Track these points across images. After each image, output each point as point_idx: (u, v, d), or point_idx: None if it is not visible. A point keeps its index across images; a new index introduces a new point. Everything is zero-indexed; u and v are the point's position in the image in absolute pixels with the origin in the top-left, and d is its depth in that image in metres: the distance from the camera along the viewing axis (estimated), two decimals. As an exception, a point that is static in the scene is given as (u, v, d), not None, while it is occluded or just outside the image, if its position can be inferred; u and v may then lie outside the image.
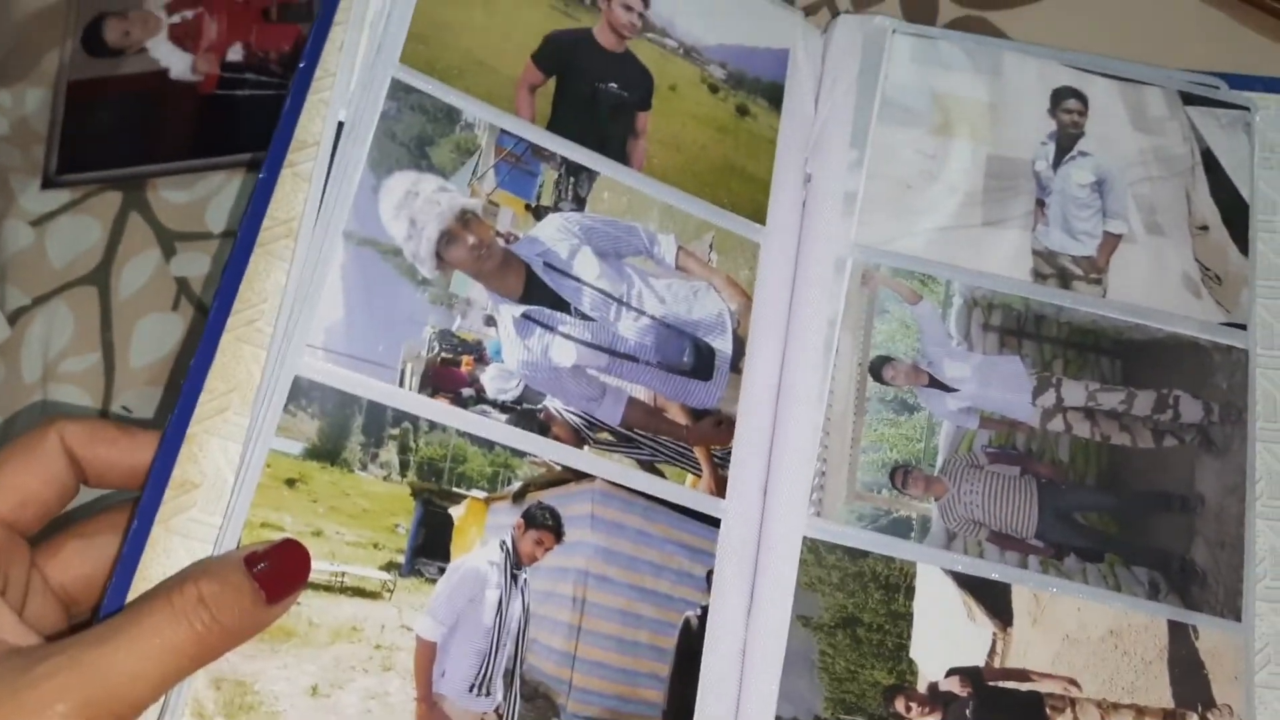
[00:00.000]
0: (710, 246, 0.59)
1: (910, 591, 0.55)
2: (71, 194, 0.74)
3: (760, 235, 0.60)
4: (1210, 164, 0.64)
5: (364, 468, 0.49)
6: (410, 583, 0.48)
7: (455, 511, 0.50)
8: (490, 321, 0.53)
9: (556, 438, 0.52)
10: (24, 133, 0.76)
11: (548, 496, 0.51)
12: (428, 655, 0.47)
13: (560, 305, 0.54)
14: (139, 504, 0.45)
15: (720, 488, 0.55)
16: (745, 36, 0.64)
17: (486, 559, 0.49)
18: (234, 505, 0.46)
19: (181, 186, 0.73)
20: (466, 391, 0.51)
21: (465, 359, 0.51)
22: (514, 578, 0.49)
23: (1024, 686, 0.53)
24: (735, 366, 0.57)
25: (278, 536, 0.46)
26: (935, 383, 0.59)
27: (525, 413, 0.52)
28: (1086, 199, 0.63)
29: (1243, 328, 0.61)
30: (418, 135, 0.53)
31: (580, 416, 0.53)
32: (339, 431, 0.49)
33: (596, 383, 0.54)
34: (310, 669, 0.45)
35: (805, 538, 0.55)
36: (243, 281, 0.49)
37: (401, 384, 0.50)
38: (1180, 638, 0.55)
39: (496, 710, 0.48)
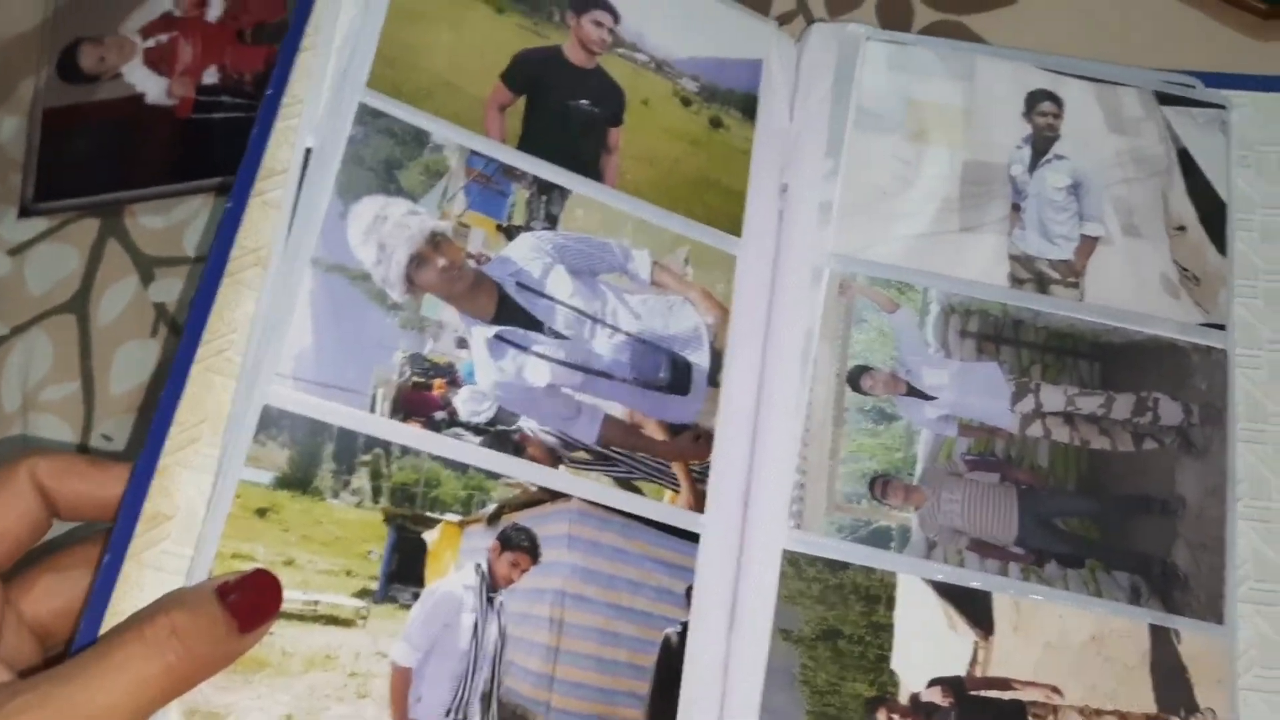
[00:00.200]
0: (686, 260, 0.59)
1: (891, 602, 0.55)
2: (49, 222, 0.74)
3: (736, 247, 0.60)
4: (1187, 164, 0.64)
5: (336, 495, 0.49)
6: (384, 609, 0.48)
7: (429, 536, 0.50)
8: (462, 343, 0.53)
9: (531, 458, 0.52)
10: (0, 161, 0.76)
11: (523, 518, 0.51)
12: (403, 681, 0.47)
13: (534, 325, 0.54)
14: (110, 537, 0.45)
15: (699, 503, 0.55)
16: (717, 48, 0.64)
17: (461, 583, 0.49)
18: (205, 536, 0.46)
19: (159, 211, 0.73)
20: (439, 415, 0.51)
21: (437, 382, 0.51)
22: (489, 601, 0.49)
23: (1006, 695, 0.53)
24: (713, 380, 0.57)
25: (249, 567, 0.46)
26: (914, 391, 0.59)
27: (499, 434, 0.52)
28: (1063, 202, 0.63)
29: (1221, 328, 0.60)
30: (386, 159, 0.53)
31: (555, 436, 0.53)
32: (310, 460, 0.48)
33: (572, 401, 0.54)
34: (284, 699, 0.45)
35: (785, 550, 0.55)
36: (212, 312, 0.49)
37: (372, 410, 0.50)
38: (1162, 642, 0.54)
39: (473, 735, 0.48)
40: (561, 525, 0.52)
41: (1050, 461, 0.58)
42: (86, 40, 0.76)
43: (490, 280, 0.54)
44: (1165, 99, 0.65)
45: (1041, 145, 0.64)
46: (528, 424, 0.53)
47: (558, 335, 0.54)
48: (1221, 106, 0.65)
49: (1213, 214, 0.63)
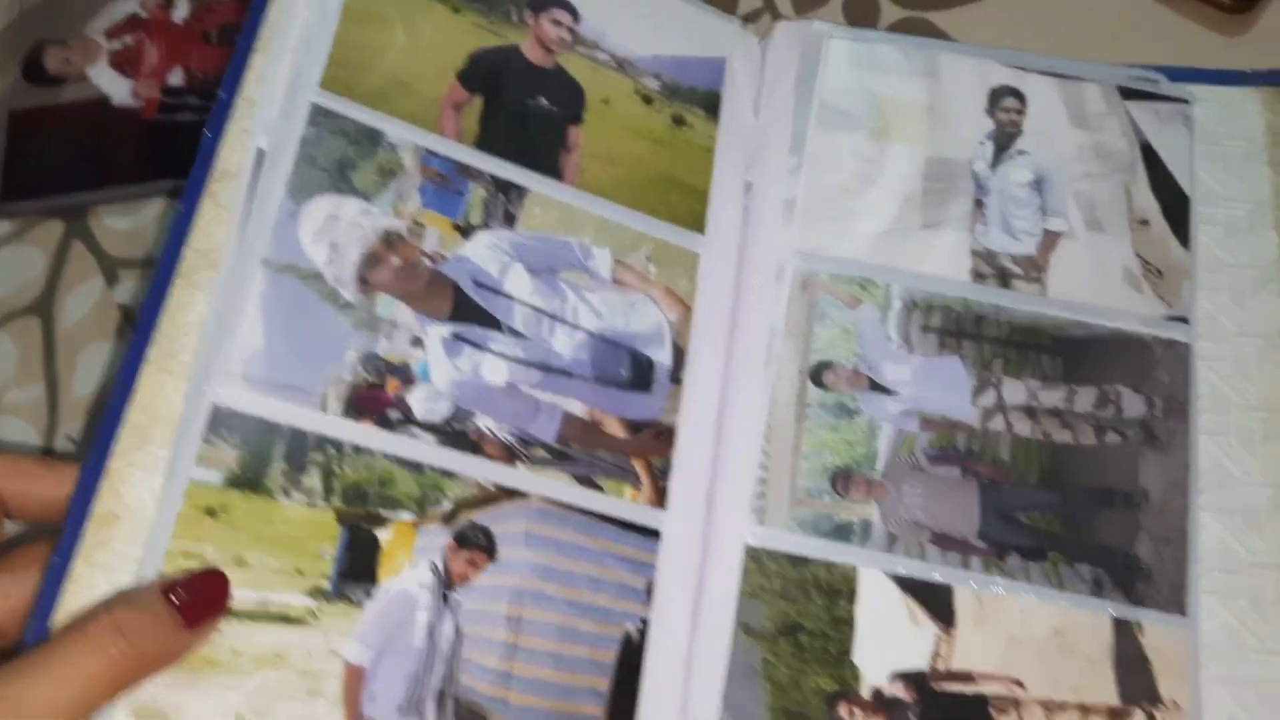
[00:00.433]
0: (648, 258, 0.59)
1: (852, 596, 0.55)
2: (13, 224, 0.74)
3: (699, 245, 0.60)
4: (1150, 158, 0.64)
5: (287, 494, 0.49)
6: (337, 608, 0.48)
7: (383, 535, 0.49)
8: (417, 342, 0.53)
9: (488, 456, 0.52)
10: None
11: (480, 516, 0.51)
12: (356, 680, 0.47)
13: (491, 323, 0.54)
14: (60, 538, 0.45)
15: (660, 499, 0.55)
16: (679, 47, 0.64)
17: (416, 581, 0.49)
18: (155, 536, 0.46)
19: (124, 213, 0.73)
20: (393, 414, 0.51)
21: (391, 381, 0.51)
22: (445, 599, 0.49)
23: (968, 689, 0.53)
24: (675, 378, 0.57)
25: (198, 566, 0.46)
26: (876, 386, 0.59)
27: (455, 433, 0.52)
28: (1025, 197, 0.63)
29: (1184, 321, 0.61)
30: (339, 159, 0.53)
31: (513, 434, 0.53)
32: (260, 459, 0.48)
33: (530, 399, 0.54)
34: (234, 698, 0.45)
35: (747, 546, 0.55)
36: (163, 314, 0.49)
37: (323, 409, 0.50)
38: (1125, 634, 0.55)
39: (428, 731, 0.48)
40: (519, 523, 0.52)
41: (1012, 455, 0.58)
42: (52, 43, 0.76)
43: (446, 279, 0.54)
44: (1129, 94, 0.66)
45: (1004, 141, 0.64)
46: (484, 422, 0.53)
47: (516, 333, 0.54)
48: (1185, 101, 0.66)
49: (1176, 208, 0.63)
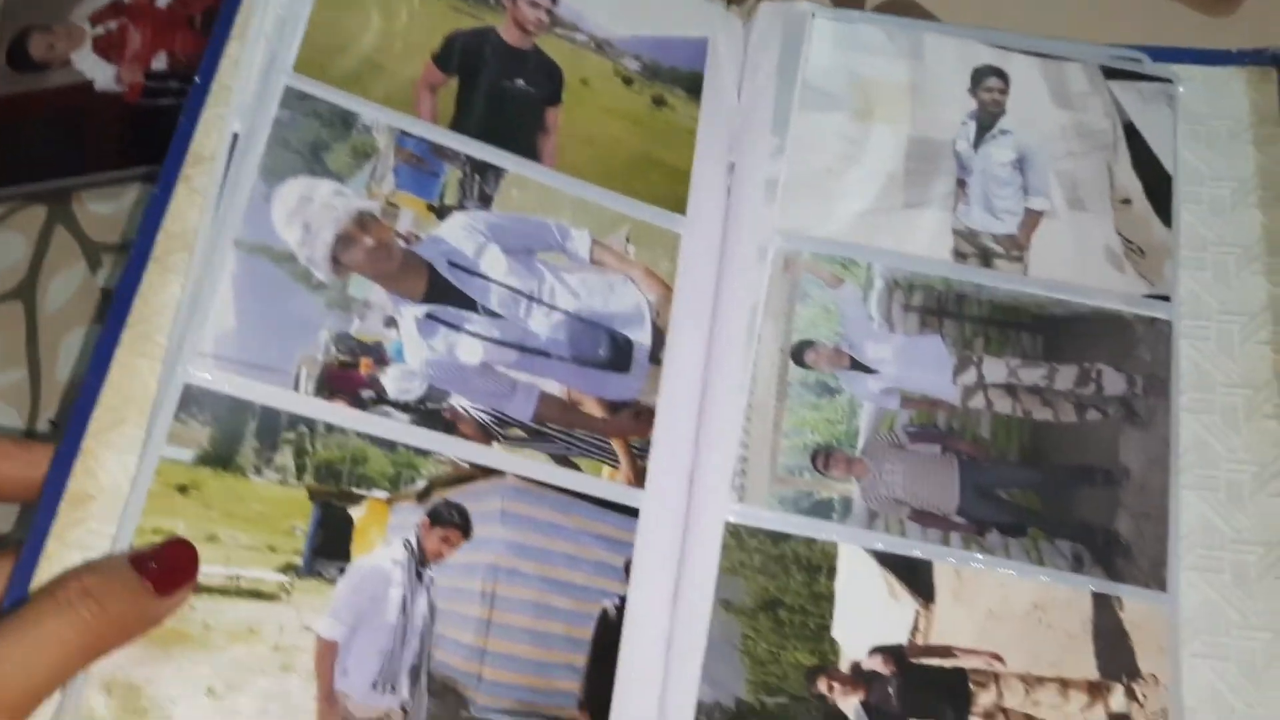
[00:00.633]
0: (627, 239, 0.59)
1: (832, 572, 0.55)
2: (-5, 210, 0.75)
3: (681, 226, 0.60)
4: (1132, 137, 0.64)
5: (258, 472, 0.49)
6: (309, 584, 0.48)
7: (355, 512, 0.50)
8: (391, 323, 0.53)
9: (463, 436, 0.52)
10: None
11: (455, 494, 0.51)
12: (329, 654, 0.47)
13: (467, 304, 0.54)
14: (34, 517, 0.45)
15: (639, 478, 0.55)
16: (659, 27, 0.64)
17: (389, 558, 0.49)
18: (126, 513, 0.46)
19: (107, 198, 0.74)
20: (366, 393, 0.51)
21: (364, 361, 0.51)
22: (419, 576, 0.50)
23: (947, 663, 0.54)
24: (654, 358, 0.57)
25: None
26: (857, 365, 0.59)
27: (429, 412, 0.52)
28: (1007, 177, 0.63)
29: (1166, 299, 0.60)
30: (312, 141, 0.54)
31: (488, 413, 0.53)
32: (231, 438, 0.49)
33: (506, 379, 0.54)
34: (206, 671, 0.45)
35: (727, 523, 0.55)
36: (138, 296, 0.49)
37: (295, 388, 0.50)
38: (1104, 609, 0.55)
39: (402, 706, 0.48)
40: (495, 501, 0.52)
41: (992, 433, 0.58)
42: (36, 29, 0.76)
43: (420, 260, 0.54)
44: (1112, 73, 0.66)
45: (987, 121, 0.64)
46: (459, 402, 0.53)
47: (492, 314, 0.54)
48: (1169, 81, 0.65)
49: (1158, 187, 0.63)
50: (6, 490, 0.47)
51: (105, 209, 0.74)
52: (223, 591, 0.47)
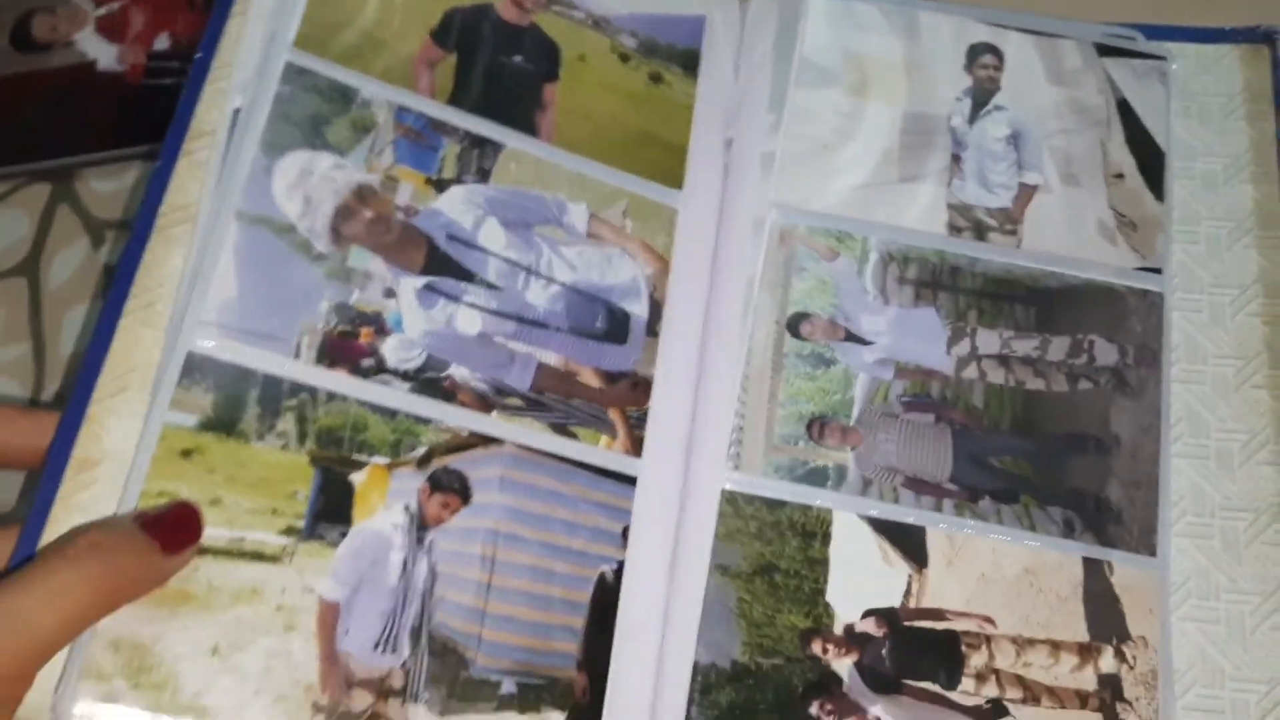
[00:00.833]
0: (624, 213, 0.60)
1: (827, 538, 0.55)
2: (0, 188, 0.75)
3: (678, 201, 0.61)
4: (1126, 113, 0.65)
5: (261, 438, 0.50)
6: (311, 547, 0.49)
7: (356, 478, 0.51)
8: (390, 293, 0.53)
9: (462, 404, 0.53)
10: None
11: (455, 461, 0.52)
12: (331, 615, 0.48)
13: (465, 276, 0.55)
14: (39, 484, 0.46)
15: (636, 448, 0.55)
16: (657, 5, 0.65)
17: (390, 522, 0.50)
18: (130, 478, 0.47)
19: (110, 176, 0.75)
20: (366, 362, 0.52)
21: (364, 330, 0.52)
22: (419, 539, 0.50)
23: (939, 625, 0.54)
24: (651, 330, 0.58)
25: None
26: (852, 336, 0.60)
27: (429, 380, 0.53)
28: (1002, 152, 0.64)
29: (1158, 272, 0.61)
30: (312, 115, 0.54)
31: (487, 383, 0.54)
32: (234, 404, 0.50)
33: (504, 350, 0.55)
34: (210, 631, 0.46)
35: (724, 490, 0.56)
36: (140, 268, 0.50)
37: (296, 357, 0.51)
38: (1095, 573, 0.55)
39: (403, 666, 0.49)
40: (494, 468, 0.52)
41: (985, 402, 0.59)
42: (40, 9, 0.77)
43: (419, 232, 0.55)
44: (1106, 50, 0.66)
45: (982, 97, 0.65)
46: (458, 371, 0.53)
47: (490, 285, 0.55)
48: (1162, 58, 0.66)
49: (1151, 162, 0.64)
50: (12, 457, 0.48)
51: (107, 187, 0.75)
52: (226, 553, 0.47)
